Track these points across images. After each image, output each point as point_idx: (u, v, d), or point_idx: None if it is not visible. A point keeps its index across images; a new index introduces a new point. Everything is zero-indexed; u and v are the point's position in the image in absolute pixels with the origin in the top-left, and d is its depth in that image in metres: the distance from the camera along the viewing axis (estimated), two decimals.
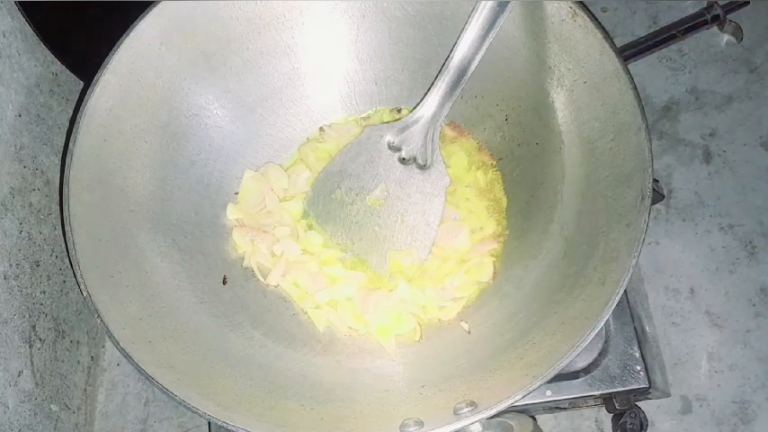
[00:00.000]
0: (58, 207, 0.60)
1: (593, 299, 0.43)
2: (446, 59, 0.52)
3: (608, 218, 0.46)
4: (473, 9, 0.49)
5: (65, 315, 0.61)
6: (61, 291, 0.61)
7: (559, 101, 0.50)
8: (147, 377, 0.42)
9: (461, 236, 0.55)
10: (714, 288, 0.64)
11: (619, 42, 0.69)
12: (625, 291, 0.41)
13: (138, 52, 0.49)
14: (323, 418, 0.45)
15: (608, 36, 0.46)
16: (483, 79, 0.53)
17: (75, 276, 0.44)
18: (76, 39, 0.60)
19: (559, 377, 0.50)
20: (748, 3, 0.68)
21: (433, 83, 0.53)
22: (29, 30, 0.57)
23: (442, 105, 0.53)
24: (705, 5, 0.69)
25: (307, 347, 0.52)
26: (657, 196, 0.56)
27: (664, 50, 0.70)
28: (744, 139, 0.68)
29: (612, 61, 0.46)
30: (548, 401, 0.51)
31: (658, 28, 0.70)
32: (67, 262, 0.61)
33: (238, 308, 0.53)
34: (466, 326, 0.52)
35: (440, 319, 0.53)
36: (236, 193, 0.57)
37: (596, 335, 0.40)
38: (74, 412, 0.61)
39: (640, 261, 0.53)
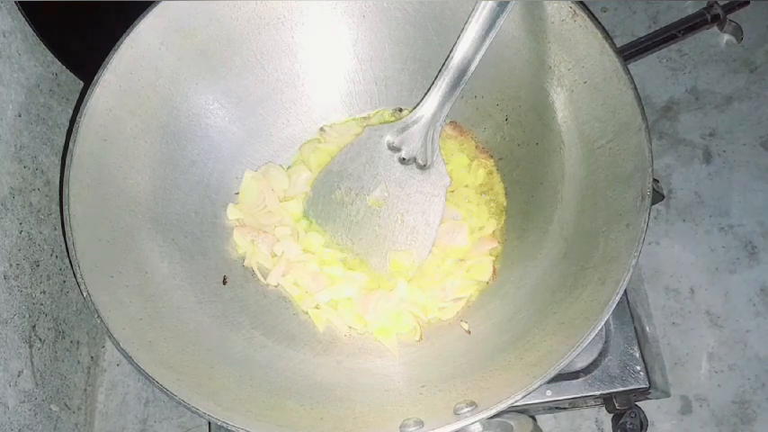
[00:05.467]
0: (58, 207, 0.60)
1: (593, 299, 0.43)
2: (446, 59, 0.52)
3: (608, 218, 0.46)
4: (473, 9, 0.49)
5: (65, 315, 0.61)
6: (61, 291, 0.61)
7: (559, 101, 0.50)
8: (147, 377, 0.42)
9: (461, 235, 0.55)
10: (714, 288, 0.64)
11: (619, 42, 0.69)
12: (625, 291, 0.41)
13: (138, 52, 0.49)
14: (323, 418, 0.45)
15: (608, 36, 0.46)
16: (483, 79, 0.53)
17: (75, 276, 0.44)
18: (76, 39, 0.60)
19: (559, 377, 0.50)
20: (748, 3, 0.68)
21: (433, 83, 0.53)
22: (29, 30, 0.57)
23: (442, 105, 0.53)
24: (705, 5, 0.69)
25: (307, 347, 0.52)
26: (657, 196, 0.56)
27: (664, 50, 0.70)
28: (744, 139, 0.68)
29: (612, 61, 0.46)
30: (548, 401, 0.51)
31: (658, 28, 0.70)
32: (67, 262, 0.61)
33: (238, 308, 0.53)
34: (466, 326, 0.52)
35: (440, 319, 0.53)
36: (237, 193, 0.57)
37: (596, 335, 0.40)
38: (74, 412, 0.61)
39: (640, 261, 0.53)
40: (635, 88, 0.45)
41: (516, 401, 0.40)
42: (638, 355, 0.51)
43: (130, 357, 0.43)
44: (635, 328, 0.52)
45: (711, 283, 0.64)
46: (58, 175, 0.60)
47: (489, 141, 0.57)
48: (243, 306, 0.53)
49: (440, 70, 0.52)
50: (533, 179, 0.54)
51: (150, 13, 0.49)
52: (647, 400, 0.58)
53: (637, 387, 0.50)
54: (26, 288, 0.55)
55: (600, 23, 0.46)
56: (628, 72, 0.45)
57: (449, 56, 0.51)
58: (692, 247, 0.65)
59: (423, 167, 0.55)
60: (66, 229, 0.45)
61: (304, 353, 0.52)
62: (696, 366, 0.62)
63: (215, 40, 0.53)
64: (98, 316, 0.43)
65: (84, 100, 0.47)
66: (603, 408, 0.55)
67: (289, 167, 0.59)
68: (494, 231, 0.55)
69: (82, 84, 0.64)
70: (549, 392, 0.51)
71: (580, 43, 0.47)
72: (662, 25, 0.71)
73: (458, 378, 0.46)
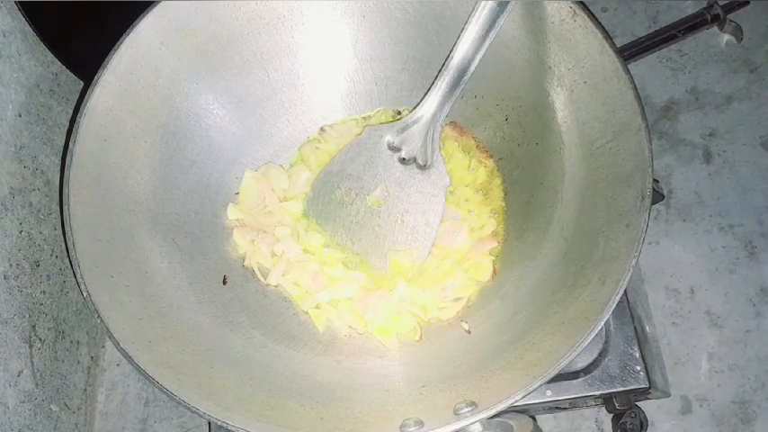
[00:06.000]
0: (58, 207, 0.60)
1: (593, 299, 0.43)
2: (446, 59, 0.52)
3: (608, 218, 0.46)
4: (473, 9, 0.49)
5: (65, 315, 0.61)
6: (61, 291, 0.61)
7: (559, 101, 0.50)
8: (147, 377, 0.42)
9: (461, 235, 0.55)
10: (714, 288, 0.64)
11: (619, 42, 0.69)
12: (625, 291, 0.41)
13: (138, 52, 0.49)
14: (323, 418, 0.45)
15: (608, 36, 0.46)
16: (483, 79, 0.53)
17: (75, 276, 0.44)
18: (76, 39, 0.60)
19: (559, 377, 0.50)
20: (748, 3, 0.68)
21: (433, 83, 0.53)
22: (29, 30, 0.57)
23: (442, 105, 0.53)
24: (705, 5, 0.69)
25: (307, 347, 0.52)
26: (657, 196, 0.56)
27: (664, 50, 0.70)
28: (744, 139, 0.68)
29: (612, 61, 0.46)
30: (548, 401, 0.51)
31: (658, 28, 0.70)
32: (67, 262, 0.61)
33: (238, 308, 0.53)
34: (466, 326, 0.52)
35: (440, 319, 0.53)
36: (237, 194, 0.57)
37: (596, 335, 0.40)
38: (74, 412, 0.61)
39: (640, 261, 0.53)
40: (635, 88, 0.45)
41: (516, 401, 0.40)
42: (638, 355, 0.51)
43: (130, 357, 0.43)
44: (635, 328, 0.52)
45: (711, 283, 0.64)
46: (58, 175, 0.60)
47: (489, 141, 0.57)
48: (243, 306, 0.53)
49: (440, 70, 0.52)
50: (533, 179, 0.54)
51: (150, 13, 0.49)
52: (647, 400, 0.57)
53: (637, 387, 0.50)
54: (26, 288, 0.55)
55: (600, 23, 0.46)
56: (628, 72, 0.45)
57: (449, 56, 0.51)
58: (692, 247, 0.65)
59: (423, 167, 0.55)
60: (66, 229, 0.45)
61: (304, 353, 0.52)
62: (696, 366, 0.62)
63: (215, 40, 0.53)
64: (98, 316, 0.43)
65: (84, 100, 0.47)
66: (603, 408, 0.55)
67: (289, 168, 0.59)
68: (494, 231, 0.55)
69: (82, 84, 0.64)
70: (549, 392, 0.51)
71: (580, 43, 0.47)
72: (662, 25, 0.71)
73: (458, 378, 0.46)
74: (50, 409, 0.57)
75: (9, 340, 0.52)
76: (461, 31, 0.50)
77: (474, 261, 0.54)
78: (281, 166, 0.58)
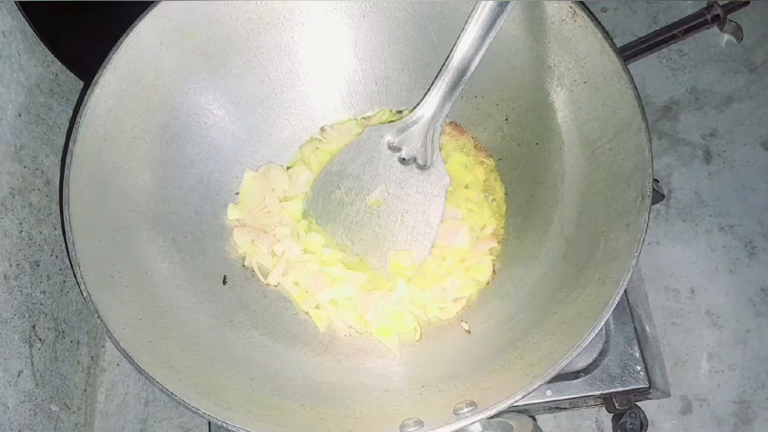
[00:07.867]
0: (58, 207, 0.60)
1: (593, 299, 0.43)
2: (446, 59, 0.52)
3: (608, 218, 0.46)
4: (473, 9, 0.49)
5: (65, 315, 0.61)
6: (61, 291, 0.61)
7: (559, 101, 0.50)
8: (147, 377, 0.42)
9: (461, 235, 0.55)
10: (714, 288, 0.64)
11: (619, 42, 0.69)
12: (625, 291, 0.41)
13: (138, 52, 0.49)
14: (323, 418, 0.45)
15: (608, 36, 0.46)
16: (483, 79, 0.53)
17: (75, 276, 0.44)
18: (76, 39, 0.60)
19: (559, 377, 0.50)
20: (748, 3, 0.68)
21: (433, 83, 0.53)
22: (29, 30, 0.57)
23: (441, 105, 0.53)
24: (705, 5, 0.69)
25: (307, 347, 0.52)
26: (657, 196, 0.56)
27: (664, 50, 0.70)
28: (744, 139, 0.68)
29: (612, 61, 0.46)
30: (548, 401, 0.51)
31: (658, 28, 0.70)
32: (67, 262, 0.61)
33: (238, 308, 0.53)
34: (466, 326, 0.52)
35: (440, 319, 0.53)
36: (237, 194, 0.57)
37: (596, 335, 0.40)
38: (74, 412, 0.61)
39: (640, 261, 0.53)
40: (635, 88, 0.45)
41: (516, 401, 0.40)
42: (638, 355, 0.51)
43: (130, 357, 0.43)
44: (635, 328, 0.52)
45: (711, 283, 0.64)
46: (58, 175, 0.60)
47: (489, 141, 0.57)
48: (243, 306, 0.53)
49: (440, 70, 0.52)
50: (533, 179, 0.54)
51: (150, 13, 0.49)
52: (647, 400, 0.57)
53: (637, 387, 0.50)
54: (26, 288, 0.55)
55: (600, 23, 0.46)
56: (628, 72, 0.45)
57: (449, 56, 0.51)
58: (692, 247, 0.65)
59: (423, 167, 0.55)
60: (66, 229, 0.45)
61: (304, 353, 0.52)
62: (696, 366, 0.62)
63: (215, 40, 0.53)
64: (98, 316, 0.43)
65: (84, 100, 0.47)
66: (603, 408, 0.55)
67: (289, 168, 0.59)
68: (494, 231, 0.55)
69: (82, 84, 0.64)
70: (549, 392, 0.51)
71: (580, 43, 0.47)
72: (662, 25, 0.71)
73: (458, 378, 0.46)
74: (50, 409, 0.57)
75: (9, 340, 0.52)
76: (461, 31, 0.50)
77: (474, 261, 0.54)
78: (281, 166, 0.58)
